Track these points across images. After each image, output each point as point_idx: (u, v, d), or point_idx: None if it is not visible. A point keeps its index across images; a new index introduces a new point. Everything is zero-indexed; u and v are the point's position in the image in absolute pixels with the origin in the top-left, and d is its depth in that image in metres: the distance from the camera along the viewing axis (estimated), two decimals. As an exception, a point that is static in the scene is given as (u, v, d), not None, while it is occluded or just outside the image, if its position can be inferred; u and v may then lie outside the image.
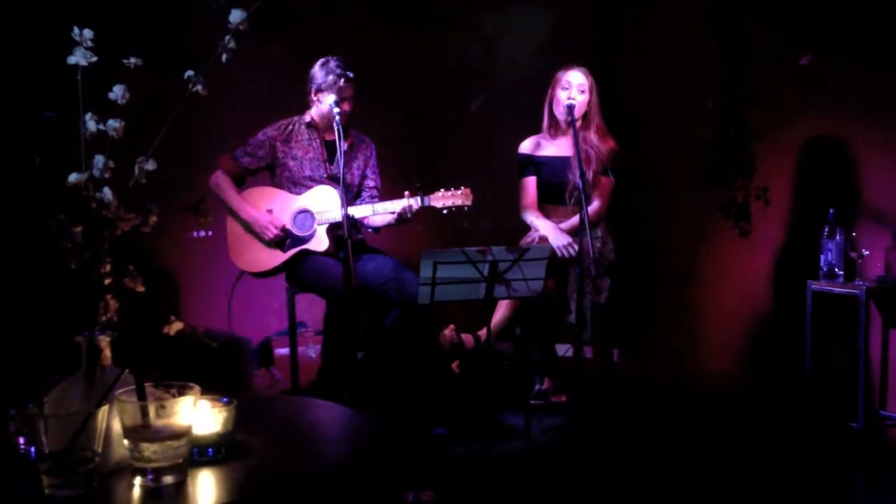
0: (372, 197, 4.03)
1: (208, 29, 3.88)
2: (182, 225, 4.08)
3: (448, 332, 3.90)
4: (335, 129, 3.68)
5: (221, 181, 3.91)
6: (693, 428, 3.82)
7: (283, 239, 3.86)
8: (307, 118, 3.94)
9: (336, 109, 3.70)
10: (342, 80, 3.79)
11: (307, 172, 3.91)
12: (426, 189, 3.80)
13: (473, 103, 5.02)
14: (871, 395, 3.84)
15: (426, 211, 3.83)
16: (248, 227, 3.88)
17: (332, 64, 3.83)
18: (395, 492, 2.87)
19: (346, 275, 3.43)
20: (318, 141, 3.93)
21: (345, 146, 3.93)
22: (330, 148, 3.93)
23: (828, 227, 3.79)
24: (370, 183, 4.04)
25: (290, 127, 3.96)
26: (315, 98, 3.88)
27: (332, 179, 3.88)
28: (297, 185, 3.91)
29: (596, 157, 4.00)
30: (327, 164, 3.92)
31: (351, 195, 3.96)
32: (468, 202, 3.80)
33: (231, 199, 3.90)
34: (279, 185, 3.95)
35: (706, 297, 4.52)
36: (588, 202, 3.76)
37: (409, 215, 3.79)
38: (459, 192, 3.79)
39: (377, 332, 3.84)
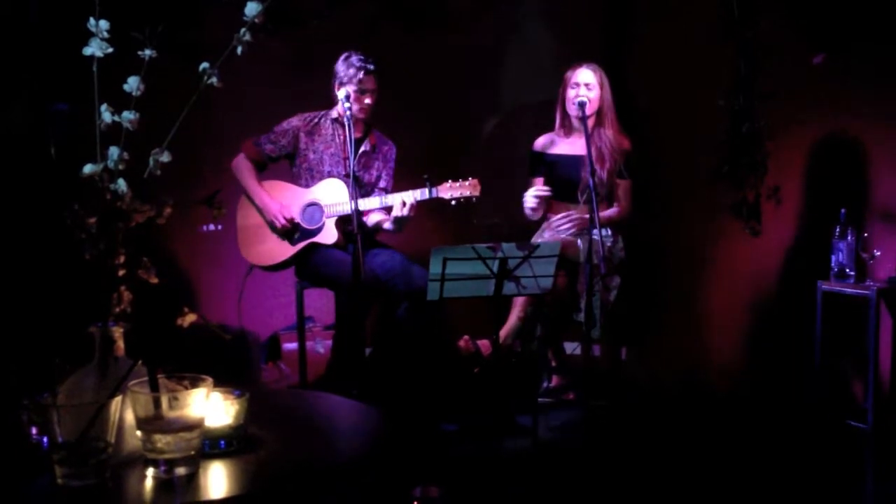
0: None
1: (215, 22, 3.90)
2: (193, 218, 4.09)
3: (463, 342, 3.91)
4: (346, 123, 3.70)
5: (242, 165, 3.94)
6: (701, 427, 3.81)
7: (292, 231, 3.87)
8: (334, 114, 3.94)
9: (346, 104, 3.72)
10: (362, 73, 3.80)
11: (326, 168, 3.92)
12: (434, 185, 3.78)
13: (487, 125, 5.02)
14: (880, 396, 3.82)
15: (435, 205, 3.82)
16: (261, 216, 3.89)
17: (354, 58, 3.84)
18: (402, 487, 2.86)
19: (355, 267, 3.43)
20: (341, 138, 3.92)
21: (367, 147, 3.95)
22: (353, 146, 3.93)
23: (839, 227, 3.78)
24: (381, 184, 4.02)
25: (316, 120, 3.96)
26: (340, 90, 3.86)
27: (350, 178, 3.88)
28: (314, 178, 3.93)
29: (610, 154, 3.99)
30: (348, 162, 3.91)
31: (365, 194, 3.96)
32: (476, 193, 3.77)
33: (248, 183, 3.92)
34: (297, 176, 3.97)
35: (716, 297, 4.50)
36: (599, 200, 3.75)
37: (404, 212, 3.72)
38: (468, 182, 3.77)
39: (388, 324, 3.85)
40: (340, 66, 3.87)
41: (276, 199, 3.91)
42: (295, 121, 3.96)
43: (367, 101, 3.84)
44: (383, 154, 4.04)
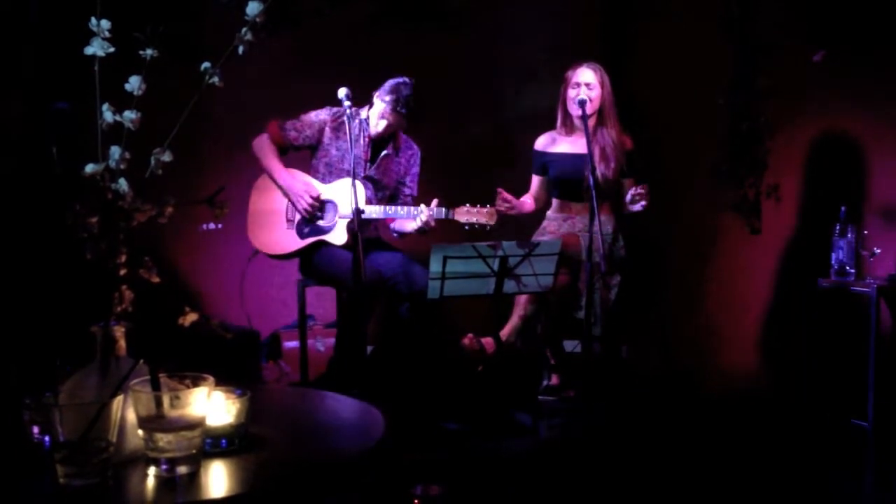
0: (405, 205, 4.02)
1: (216, 21, 3.91)
2: (195, 217, 4.08)
3: (468, 340, 3.91)
4: (347, 122, 3.68)
5: (265, 146, 3.89)
6: (702, 425, 3.82)
7: (318, 211, 3.85)
8: (364, 114, 3.90)
9: (347, 103, 3.68)
10: (394, 106, 3.78)
11: (346, 166, 3.89)
12: (445, 194, 3.77)
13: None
14: (880, 393, 3.82)
15: (446, 221, 3.81)
16: (276, 202, 3.87)
17: (404, 90, 3.80)
18: (403, 485, 2.87)
19: (356, 267, 3.43)
20: (366, 139, 3.90)
21: (390, 149, 3.95)
22: (375, 149, 3.92)
23: (839, 224, 3.78)
24: (406, 191, 4.01)
25: (344, 118, 3.92)
26: (376, 98, 3.86)
27: (368, 180, 3.88)
28: (332, 174, 3.92)
29: (614, 153, 3.99)
30: (368, 164, 3.89)
31: (384, 197, 3.96)
32: (492, 222, 3.75)
33: (271, 163, 3.87)
34: (314, 169, 3.95)
35: (716, 295, 4.51)
36: (602, 199, 3.75)
37: (430, 226, 3.77)
38: (485, 210, 3.75)
39: (390, 322, 3.85)
40: (391, 84, 3.83)
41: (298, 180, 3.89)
42: (323, 114, 3.93)
43: (385, 126, 3.84)
44: (406, 158, 4.03)
